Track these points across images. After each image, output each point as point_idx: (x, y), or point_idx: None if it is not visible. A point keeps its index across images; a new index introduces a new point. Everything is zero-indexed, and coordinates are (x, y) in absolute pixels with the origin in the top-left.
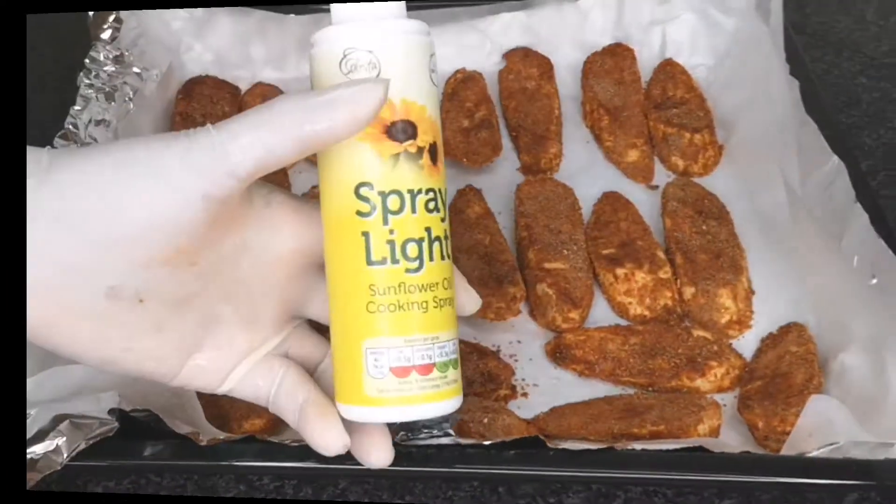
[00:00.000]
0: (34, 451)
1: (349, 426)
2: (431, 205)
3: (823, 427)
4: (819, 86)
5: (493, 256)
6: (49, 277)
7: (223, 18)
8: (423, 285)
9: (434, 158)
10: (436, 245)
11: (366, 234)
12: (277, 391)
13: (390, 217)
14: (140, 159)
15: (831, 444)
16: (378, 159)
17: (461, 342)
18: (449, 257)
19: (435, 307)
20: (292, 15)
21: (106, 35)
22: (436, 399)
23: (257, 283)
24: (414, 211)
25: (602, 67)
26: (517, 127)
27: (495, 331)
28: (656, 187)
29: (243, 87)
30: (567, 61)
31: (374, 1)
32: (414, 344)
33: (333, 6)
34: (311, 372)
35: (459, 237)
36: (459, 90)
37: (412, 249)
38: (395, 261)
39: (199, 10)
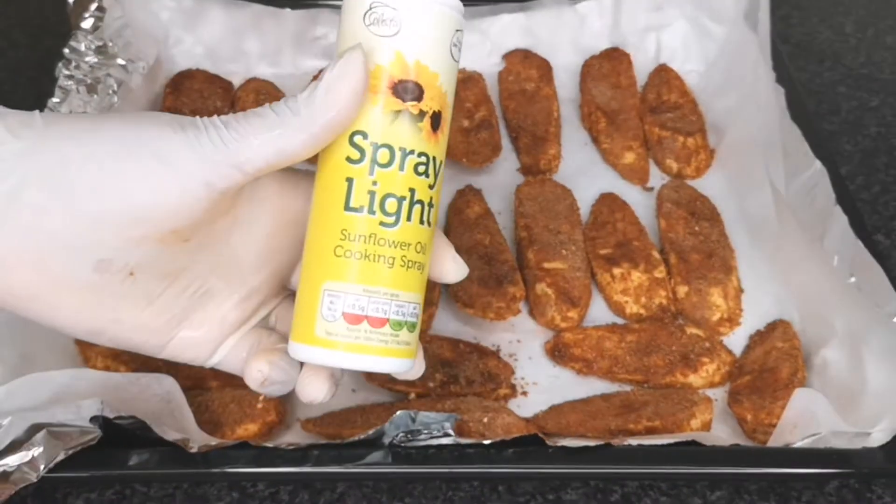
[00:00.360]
0: (7, 462)
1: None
2: (421, 168)
3: (807, 419)
4: (803, 93)
5: (492, 256)
6: (38, 247)
7: (215, 11)
8: (394, 241)
9: (435, 126)
10: (417, 207)
11: (349, 181)
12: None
13: (377, 169)
14: (147, 140)
15: (814, 435)
16: (379, 112)
17: (461, 342)
18: (430, 224)
19: (402, 266)
20: (288, 9)
21: (87, 24)
22: (382, 354)
23: (246, 256)
24: (402, 169)
25: (599, 71)
26: (517, 128)
27: (495, 330)
28: (651, 189)
29: (236, 81)
30: (565, 64)
31: None
32: (372, 295)
33: None
34: None
35: (459, 237)
36: (459, 90)
37: (391, 205)
38: (371, 211)
39: (188, 0)
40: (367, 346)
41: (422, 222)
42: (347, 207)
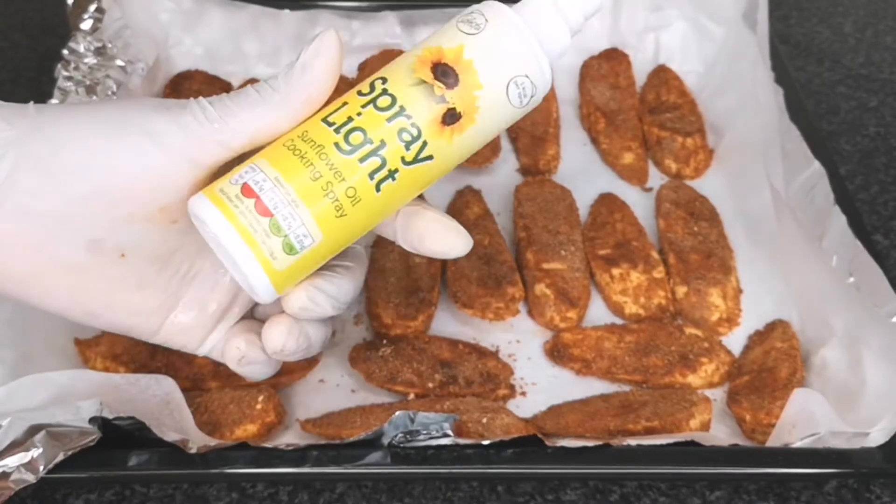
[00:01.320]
0: (6, 463)
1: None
2: (406, 136)
3: (805, 419)
4: (802, 94)
5: (492, 257)
6: (33, 230)
7: (214, 12)
8: (334, 165)
9: (448, 122)
10: (375, 160)
11: (346, 104)
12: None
13: (370, 107)
14: (132, 118)
15: (812, 435)
16: (408, 73)
17: (460, 343)
18: (378, 189)
19: (323, 190)
20: (287, 10)
21: (87, 25)
22: (244, 237)
23: None
24: (390, 121)
25: (598, 72)
26: (516, 128)
27: (494, 331)
28: (650, 189)
29: (235, 82)
30: (564, 64)
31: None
32: (278, 186)
33: None
34: None
35: None
36: None
37: (356, 137)
38: (337, 131)
39: (188, 1)
40: (238, 218)
41: (370, 177)
42: (324, 119)
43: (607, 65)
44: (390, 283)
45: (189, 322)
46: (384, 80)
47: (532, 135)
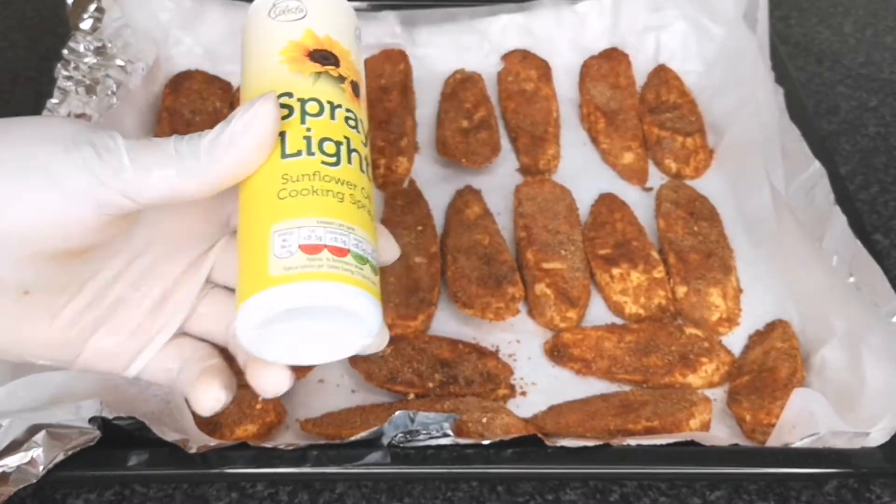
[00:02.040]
0: (6, 463)
1: (248, 367)
2: (352, 122)
3: (806, 419)
4: (802, 94)
5: (492, 256)
6: None
7: (215, 12)
8: (340, 179)
9: (356, 93)
10: (355, 155)
11: (282, 135)
12: (181, 369)
13: (308, 118)
14: (37, 159)
15: (812, 435)
16: (299, 76)
17: (460, 343)
18: (371, 180)
19: (352, 203)
20: None
21: (86, 25)
22: (350, 282)
23: (154, 257)
24: (333, 118)
25: (598, 71)
26: (516, 128)
27: (494, 330)
28: (650, 189)
29: (235, 82)
30: (564, 64)
31: None
32: (328, 226)
33: None
34: (222, 345)
35: (459, 237)
36: (458, 91)
37: (329, 147)
38: (310, 153)
39: (188, 0)
40: (330, 273)
41: (362, 171)
42: (284, 155)
43: (607, 64)
44: (390, 282)
45: (111, 348)
46: (289, 94)
47: (532, 134)
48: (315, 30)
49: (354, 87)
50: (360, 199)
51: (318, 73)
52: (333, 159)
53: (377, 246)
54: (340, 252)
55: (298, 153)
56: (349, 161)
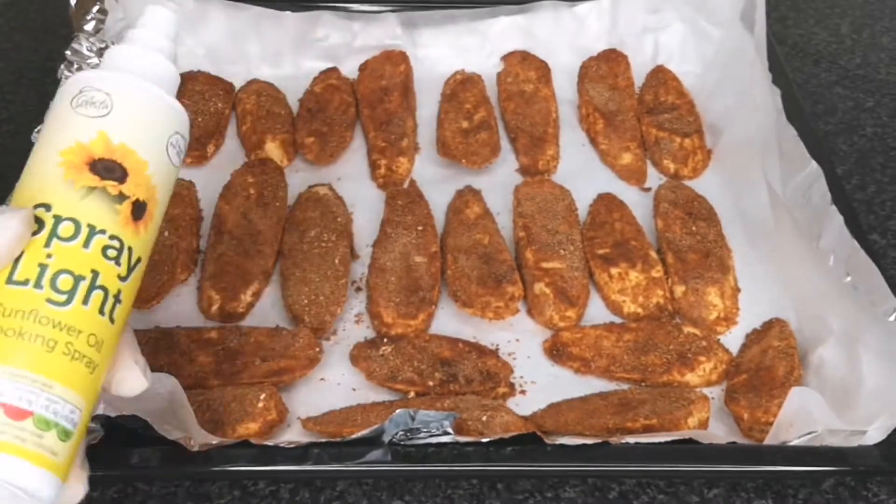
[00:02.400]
0: None
1: None
2: (112, 252)
3: (803, 417)
4: (799, 94)
5: (491, 256)
6: None
7: (216, 13)
8: (61, 323)
9: (137, 216)
10: (98, 293)
11: (20, 255)
12: None
13: (55, 241)
14: None
15: (810, 433)
16: (69, 186)
17: (460, 341)
18: (112, 321)
19: (65, 354)
20: (288, 12)
21: (89, 26)
22: (13, 453)
23: None
24: (86, 246)
25: (597, 72)
26: (515, 129)
27: (494, 329)
28: (649, 189)
29: (237, 83)
30: (563, 65)
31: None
32: (17, 380)
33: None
34: None
35: (459, 237)
36: (458, 91)
37: (65, 282)
38: (38, 286)
39: (190, 2)
40: None
41: (101, 313)
42: (10, 280)
43: (606, 65)
44: (391, 282)
45: None
46: (47, 207)
47: (531, 135)
48: (110, 134)
49: (138, 207)
50: (78, 349)
51: (92, 188)
52: (64, 297)
53: (90, 403)
54: (19, 414)
55: (25, 282)
56: (85, 301)
